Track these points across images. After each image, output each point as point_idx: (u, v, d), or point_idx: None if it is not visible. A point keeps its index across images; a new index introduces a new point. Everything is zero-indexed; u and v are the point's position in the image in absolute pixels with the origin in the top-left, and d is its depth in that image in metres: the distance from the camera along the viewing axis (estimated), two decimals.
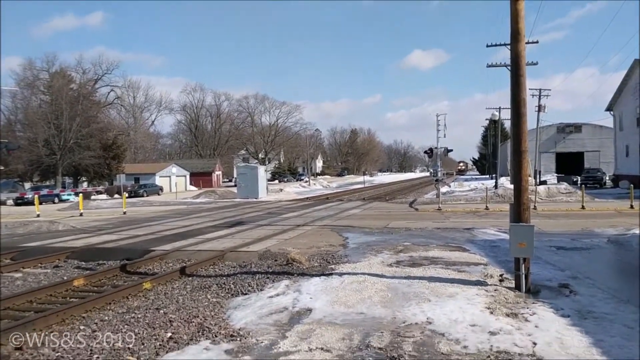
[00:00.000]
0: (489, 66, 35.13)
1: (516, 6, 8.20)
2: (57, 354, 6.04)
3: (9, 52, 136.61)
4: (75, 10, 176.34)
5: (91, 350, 6.14)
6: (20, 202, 41.37)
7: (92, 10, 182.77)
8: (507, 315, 6.82)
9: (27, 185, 57.50)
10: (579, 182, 42.56)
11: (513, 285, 8.30)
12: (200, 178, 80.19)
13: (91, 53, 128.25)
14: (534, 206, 23.55)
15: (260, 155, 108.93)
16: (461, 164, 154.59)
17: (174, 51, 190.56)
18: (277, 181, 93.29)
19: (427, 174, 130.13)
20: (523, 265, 8.07)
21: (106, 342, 6.42)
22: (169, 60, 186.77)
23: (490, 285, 8.50)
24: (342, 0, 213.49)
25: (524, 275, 8.06)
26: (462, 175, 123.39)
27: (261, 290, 8.95)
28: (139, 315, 7.57)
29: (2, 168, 51.24)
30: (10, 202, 42.01)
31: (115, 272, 11.11)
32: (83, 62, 77.06)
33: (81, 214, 27.60)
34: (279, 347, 5.89)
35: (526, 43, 8.63)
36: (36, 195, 31.06)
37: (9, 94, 59.84)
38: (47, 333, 6.93)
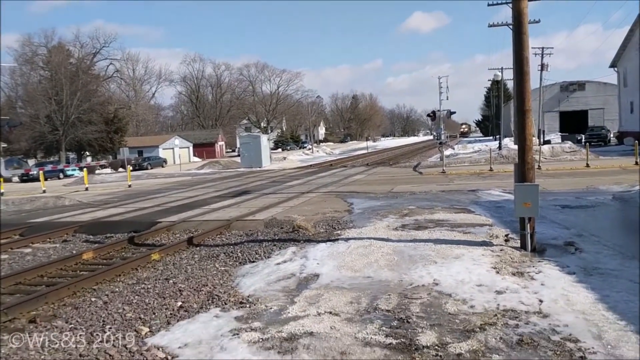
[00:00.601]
0: (490, 26, 34.54)
1: None
2: (70, 326, 6.14)
3: (7, 29, 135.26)
4: None
5: (103, 321, 6.24)
6: (26, 178, 41.57)
7: None
8: (513, 274, 6.87)
9: (31, 161, 57.71)
10: (583, 140, 42.35)
11: (519, 245, 8.34)
12: (203, 149, 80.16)
13: (90, 27, 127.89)
14: (538, 166, 23.51)
15: (262, 124, 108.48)
16: (464, 126, 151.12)
17: (173, 22, 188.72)
18: (280, 150, 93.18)
19: (431, 137, 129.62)
20: (528, 224, 8.09)
21: (117, 312, 6.52)
22: (169, 31, 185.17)
23: (496, 245, 8.54)
24: None
25: (529, 235, 8.10)
26: (466, 137, 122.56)
27: (268, 257, 9.04)
28: (149, 286, 7.66)
29: (4, 145, 51.28)
30: (15, 179, 42.21)
31: (124, 245, 11.21)
32: (81, 37, 76.12)
33: (87, 189, 27.73)
34: (288, 313, 5.97)
35: (528, 0, 8.46)
36: (41, 171, 31.14)
37: (8, 71, 59.55)
38: (59, 305, 7.05)
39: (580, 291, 6.04)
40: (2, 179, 20.80)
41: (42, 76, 60.41)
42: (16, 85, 63.05)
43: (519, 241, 8.44)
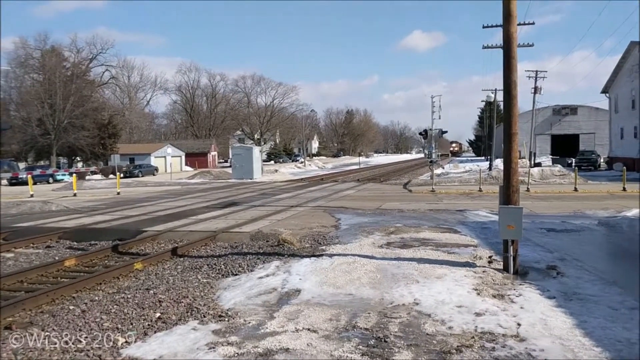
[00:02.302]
0: (484, 47, 34.84)
1: None
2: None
3: (7, 33, 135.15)
4: None
5: (80, 329, 6.18)
6: (14, 182, 41.26)
7: None
8: (494, 296, 6.88)
9: (22, 165, 57.33)
10: (573, 164, 42.66)
11: (501, 267, 8.37)
12: (195, 158, 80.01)
13: (92, 33, 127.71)
14: (527, 188, 23.65)
15: (256, 135, 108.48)
16: (454, 145, 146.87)
17: (173, 32, 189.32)
18: (272, 162, 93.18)
19: (423, 155, 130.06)
20: (511, 247, 8.12)
21: (95, 321, 6.46)
22: (169, 41, 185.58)
23: (479, 266, 8.56)
24: None
25: (512, 257, 8.12)
26: (457, 157, 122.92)
27: (251, 271, 9.00)
28: (129, 296, 7.60)
29: None
30: (4, 182, 41.88)
31: (107, 253, 11.14)
32: (78, 42, 75.87)
33: (75, 194, 27.56)
34: (266, 328, 5.93)
35: (521, 24, 8.64)
36: (29, 175, 30.96)
37: (2, 74, 59.32)
38: (37, 312, 6.98)
39: (559, 316, 6.05)
40: None
41: (35, 80, 60.21)
42: (9, 88, 62.83)
43: (502, 263, 8.46)
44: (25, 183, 35.77)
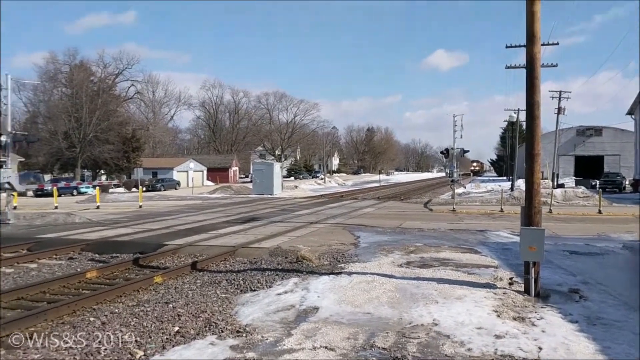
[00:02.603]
0: (507, 67, 34.72)
1: (532, 8, 8.13)
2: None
3: (39, 48, 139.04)
4: (110, 8, 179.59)
5: (99, 342, 6.23)
6: (40, 193, 41.99)
7: (126, 9, 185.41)
8: (514, 319, 6.79)
9: (47, 177, 58.39)
10: (597, 186, 42.03)
11: (522, 289, 8.25)
12: (217, 173, 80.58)
13: (119, 49, 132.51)
14: (550, 209, 23.34)
15: (276, 151, 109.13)
16: (475, 164, 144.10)
17: (199, 49, 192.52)
18: (292, 178, 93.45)
19: (444, 174, 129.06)
20: (533, 269, 8.02)
21: (114, 334, 6.51)
22: (195, 57, 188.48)
23: (500, 288, 8.46)
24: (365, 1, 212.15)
25: (533, 279, 8.01)
26: (479, 176, 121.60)
27: (270, 287, 9.01)
28: (148, 309, 7.66)
29: (22, 159, 51.98)
30: (30, 193, 42.66)
31: (128, 266, 11.25)
32: (105, 57, 77.25)
33: (98, 207, 27.94)
34: (284, 345, 5.93)
35: (545, 45, 8.62)
36: (54, 188, 31.47)
37: (31, 87, 60.70)
38: (58, 323, 7.07)
39: (582, 341, 5.94)
40: (16, 194, 21.01)
41: (63, 93, 61.49)
42: (38, 101, 64.25)
43: (523, 285, 8.35)
44: (50, 195, 36.39)
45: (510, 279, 9.05)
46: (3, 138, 19.16)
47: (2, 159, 19.56)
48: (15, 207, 21.40)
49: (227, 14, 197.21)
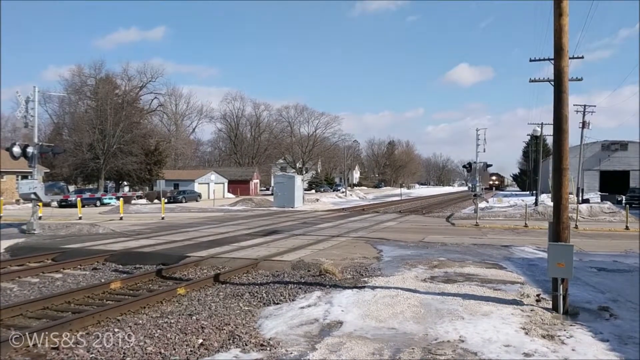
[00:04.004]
0: (531, 81, 34.41)
1: (560, 22, 8.05)
2: (91, 355, 6.17)
3: (68, 62, 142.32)
4: (140, 24, 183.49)
5: (124, 352, 6.25)
6: (64, 204, 42.62)
7: (155, 25, 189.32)
8: (543, 336, 6.64)
9: (72, 187, 59.26)
10: (623, 201, 41.25)
11: (550, 306, 8.08)
12: (238, 186, 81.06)
13: (143, 63, 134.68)
14: (575, 225, 22.94)
15: (297, 164, 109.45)
16: (494, 178, 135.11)
17: (224, 63, 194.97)
18: (313, 191, 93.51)
19: (466, 188, 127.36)
20: (561, 285, 7.85)
21: (139, 345, 6.52)
22: (220, 72, 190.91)
23: (527, 305, 8.29)
24: (387, 16, 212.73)
25: (561, 296, 7.84)
26: (500, 190, 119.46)
27: (293, 300, 8.97)
28: (172, 320, 7.66)
29: (47, 170, 52.86)
30: (54, 203, 43.30)
31: (151, 277, 11.31)
32: (129, 70, 78.48)
33: (121, 218, 28.22)
34: (308, 359, 5.87)
35: (571, 58, 8.46)
36: (79, 198, 31.93)
37: (58, 100, 61.93)
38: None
39: None
40: (41, 204, 21.33)
41: (88, 106, 62.54)
42: (64, 113, 65.49)
43: (550, 302, 8.18)
44: (74, 205, 36.89)
45: (538, 295, 8.87)
46: (30, 149, 19.50)
47: (28, 170, 19.86)
48: (40, 218, 21.72)
49: (248, 25, 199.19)
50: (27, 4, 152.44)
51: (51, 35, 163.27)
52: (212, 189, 69.59)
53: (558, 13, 8.04)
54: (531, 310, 7.90)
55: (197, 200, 58.75)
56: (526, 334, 6.74)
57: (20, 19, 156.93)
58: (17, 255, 14.70)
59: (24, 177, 40.22)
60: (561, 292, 7.85)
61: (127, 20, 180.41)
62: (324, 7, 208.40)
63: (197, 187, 67.85)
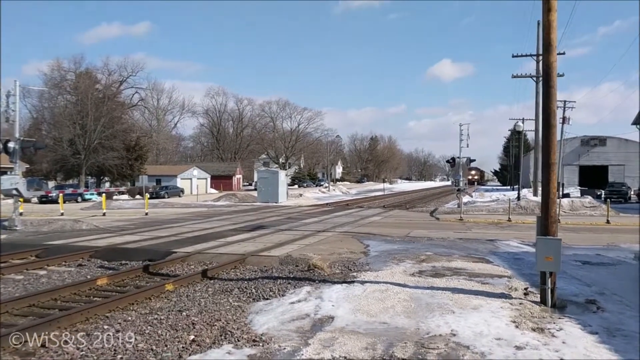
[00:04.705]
0: (514, 77, 34.73)
1: (549, 17, 8.10)
2: (81, 353, 6.09)
3: (50, 57, 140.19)
4: (123, 19, 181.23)
5: (115, 350, 6.18)
6: (45, 200, 42.06)
7: (139, 20, 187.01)
8: (533, 329, 6.71)
9: (51, 183, 58.46)
10: (603, 196, 41.88)
11: (538, 300, 8.16)
12: (221, 181, 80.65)
13: (127, 58, 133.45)
14: (558, 219, 23.20)
15: (280, 160, 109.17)
16: (473, 172, 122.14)
17: (208, 58, 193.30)
18: (296, 186, 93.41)
19: (448, 183, 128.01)
20: (549, 279, 7.93)
21: (129, 342, 6.45)
22: (205, 67, 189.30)
23: (515, 298, 8.37)
24: (370, 14, 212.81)
25: (550, 290, 7.93)
26: (482, 185, 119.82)
27: (282, 295, 8.95)
28: (162, 317, 7.60)
29: (27, 166, 52.07)
30: (35, 199, 42.70)
31: (138, 273, 11.20)
32: (109, 65, 77.49)
33: (104, 214, 27.92)
34: (302, 355, 5.86)
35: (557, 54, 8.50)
36: (61, 194, 31.53)
37: (37, 94, 60.94)
38: (71, 331, 7.01)
39: (603, 352, 5.87)
40: (22, 200, 21.00)
41: (68, 101, 61.60)
42: (43, 108, 64.41)
43: (538, 295, 8.26)
44: (54, 201, 36.48)
45: (526, 289, 8.96)
46: (11, 144, 19.17)
47: (10, 166, 19.53)
48: (21, 214, 21.38)
49: (233, 22, 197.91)
50: None
51: (33, 29, 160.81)
52: (195, 184, 69.15)
53: (547, 8, 8.09)
54: (520, 304, 7.98)
55: (179, 196, 58.38)
56: (516, 327, 6.80)
57: (2, 12, 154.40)
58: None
59: (4, 172, 39.66)
60: (549, 285, 7.93)
61: (110, 15, 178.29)
62: (307, 5, 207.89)
63: (180, 183, 67.39)
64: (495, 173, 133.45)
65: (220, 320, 7.42)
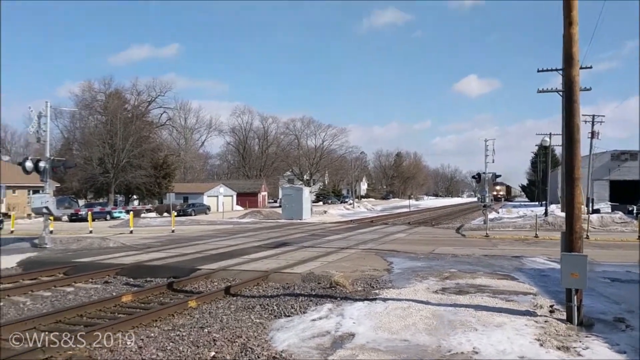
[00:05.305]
0: (539, 92, 34.40)
1: (570, 31, 8.05)
2: None
3: (83, 78, 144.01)
4: (154, 41, 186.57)
5: None
6: (75, 218, 42.81)
7: (169, 42, 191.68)
8: (558, 348, 6.57)
9: (81, 201, 59.60)
10: (635, 211, 40.90)
11: (564, 317, 8.00)
12: (246, 198, 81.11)
13: (155, 78, 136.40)
14: (586, 235, 22.73)
15: (305, 176, 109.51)
16: (497, 188, 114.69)
17: (235, 79, 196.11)
18: (321, 203, 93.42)
19: (475, 199, 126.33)
20: (575, 296, 7.78)
21: (151, 358, 6.52)
22: (231, 87, 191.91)
23: (540, 316, 8.22)
24: (394, 31, 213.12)
25: (576, 307, 7.77)
26: (509, 201, 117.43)
27: (304, 312, 8.94)
28: (184, 333, 7.66)
29: (57, 184, 53.22)
30: (65, 218, 43.52)
31: (162, 290, 11.31)
32: (138, 85, 79.17)
33: (131, 232, 28.29)
34: None
35: (580, 68, 8.43)
36: (89, 212, 32.07)
37: (68, 115, 62.51)
38: (95, 347, 7.10)
39: None
40: (52, 218, 21.46)
41: (98, 120, 63.04)
42: (74, 128, 66.07)
43: (564, 313, 8.10)
44: (84, 219, 37.07)
45: (551, 306, 8.79)
46: (42, 164, 19.64)
47: (40, 184, 19.99)
48: (51, 232, 21.82)
49: (259, 42, 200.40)
50: (46, 23, 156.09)
51: (67, 53, 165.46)
52: (221, 201, 69.63)
53: (568, 22, 8.04)
54: (545, 322, 7.83)
55: (206, 213, 58.84)
56: (541, 345, 6.68)
57: (38, 36, 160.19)
58: (30, 269, 14.78)
59: (35, 191, 40.56)
60: (575, 302, 7.78)
61: (141, 37, 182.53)
62: (332, 24, 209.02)
63: (206, 200, 67.96)
64: (523, 188, 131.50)
65: (241, 336, 7.44)
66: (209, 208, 62.44)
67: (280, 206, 55.07)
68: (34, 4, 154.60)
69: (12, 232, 28.53)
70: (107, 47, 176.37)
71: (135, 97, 75.82)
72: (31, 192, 47.17)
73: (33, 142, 21.05)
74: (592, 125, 43.42)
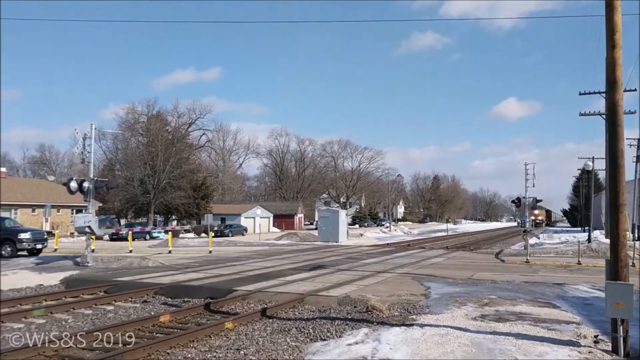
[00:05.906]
0: (581, 115, 33.79)
1: (613, 54, 7.91)
2: None
3: (127, 100, 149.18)
4: (197, 65, 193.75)
5: None
6: (115, 237, 43.84)
7: (212, 66, 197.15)
8: None
9: (122, 221, 60.98)
10: None
11: (609, 348, 7.73)
12: (283, 220, 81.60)
13: (195, 101, 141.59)
14: (633, 263, 21.97)
15: (341, 199, 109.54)
16: (536, 212, 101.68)
17: (274, 101, 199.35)
18: (357, 225, 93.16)
19: (514, 223, 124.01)
20: (621, 326, 7.52)
21: None
22: (270, 109, 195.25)
23: (584, 346, 7.96)
24: (433, 54, 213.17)
25: (622, 338, 7.50)
26: (550, 226, 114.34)
27: (340, 337, 8.88)
28: (220, 355, 7.70)
29: (100, 204, 54.62)
30: (106, 237, 44.59)
31: (200, 310, 11.42)
32: (179, 108, 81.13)
33: (170, 252, 28.74)
34: None
35: (624, 91, 8.26)
36: (130, 232, 32.79)
37: (111, 136, 64.40)
38: None
39: None
40: (94, 237, 22.01)
41: (140, 142, 64.75)
42: (117, 149, 68.00)
43: (609, 344, 7.82)
44: (124, 239, 37.93)
45: (596, 336, 8.50)
46: (86, 184, 20.23)
47: (83, 204, 20.56)
48: (93, 250, 22.35)
49: (297, 65, 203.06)
50: (95, 47, 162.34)
51: (113, 76, 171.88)
52: (258, 223, 70.26)
53: (611, 45, 7.91)
54: (589, 352, 7.58)
55: (243, 234, 59.36)
56: None
57: (86, 61, 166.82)
58: (72, 287, 15.16)
59: (79, 210, 41.73)
60: (621, 333, 7.51)
61: (185, 61, 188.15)
62: (370, 48, 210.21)
63: (244, 221, 68.63)
64: (565, 213, 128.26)
65: (277, 359, 7.43)
66: (245, 229, 63.01)
67: (316, 228, 55.11)
68: (85, 29, 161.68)
69: (55, 250, 29.33)
70: (153, 70, 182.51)
71: (176, 119, 77.67)
72: (75, 211, 48.59)
73: (77, 162, 21.80)
74: (638, 149, 42.16)
